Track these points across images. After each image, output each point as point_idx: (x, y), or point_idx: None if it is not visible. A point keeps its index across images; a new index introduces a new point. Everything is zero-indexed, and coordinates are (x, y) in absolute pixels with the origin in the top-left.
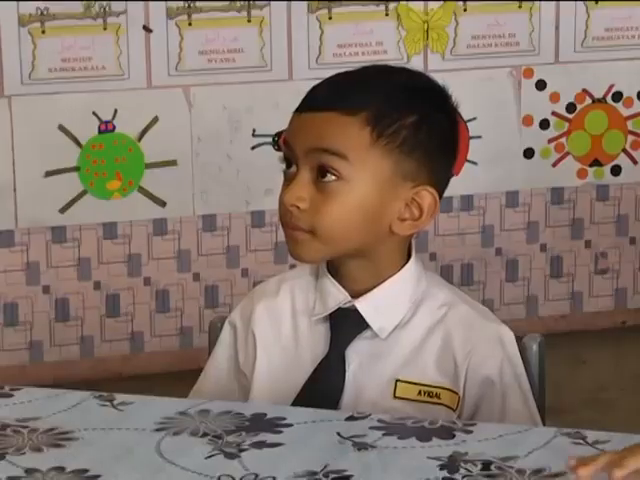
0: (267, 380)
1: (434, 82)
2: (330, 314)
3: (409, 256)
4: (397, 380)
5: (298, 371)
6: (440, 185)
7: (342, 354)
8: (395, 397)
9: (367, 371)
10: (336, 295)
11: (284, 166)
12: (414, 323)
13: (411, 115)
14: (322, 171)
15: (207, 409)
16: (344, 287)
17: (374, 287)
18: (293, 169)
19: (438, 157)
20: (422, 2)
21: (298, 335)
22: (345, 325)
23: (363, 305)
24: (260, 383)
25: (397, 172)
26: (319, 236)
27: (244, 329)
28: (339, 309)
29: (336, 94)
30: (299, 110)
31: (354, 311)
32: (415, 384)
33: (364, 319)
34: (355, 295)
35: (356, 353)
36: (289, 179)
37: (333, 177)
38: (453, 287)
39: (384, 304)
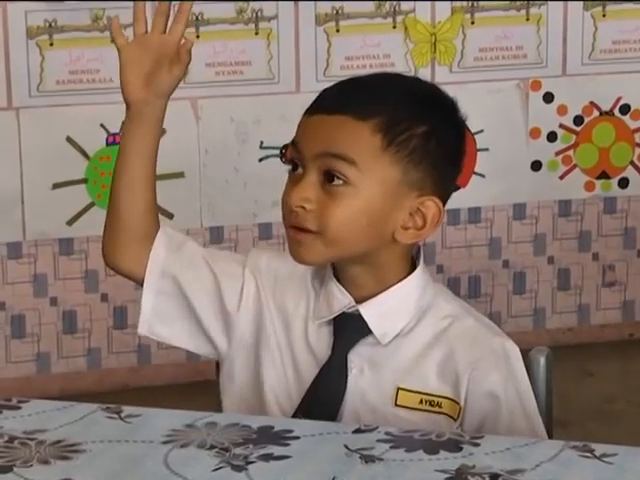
0: (276, 385)
1: (445, 94)
2: (334, 318)
3: (415, 265)
4: (399, 388)
5: (302, 374)
6: (444, 196)
7: (344, 358)
8: (396, 405)
9: (368, 377)
10: (341, 299)
11: (289, 167)
12: (417, 332)
13: (422, 125)
14: (330, 175)
15: (214, 421)
16: (348, 293)
17: (378, 293)
18: (299, 171)
19: (445, 168)
20: (429, 14)
21: (308, 338)
22: (348, 329)
23: (367, 310)
24: (269, 385)
25: (404, 181)
26: (323, 237)
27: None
28: (343, 313)
29: (349, 98)
30: (309, 112)
31: (358, 316)
32: (417, 392)
33: (367, 324)
34: (359, 301)
35: (358, 358)
36: (294, 180)
37: (340, 181)
38: (461, 300)
39: (388, 311)
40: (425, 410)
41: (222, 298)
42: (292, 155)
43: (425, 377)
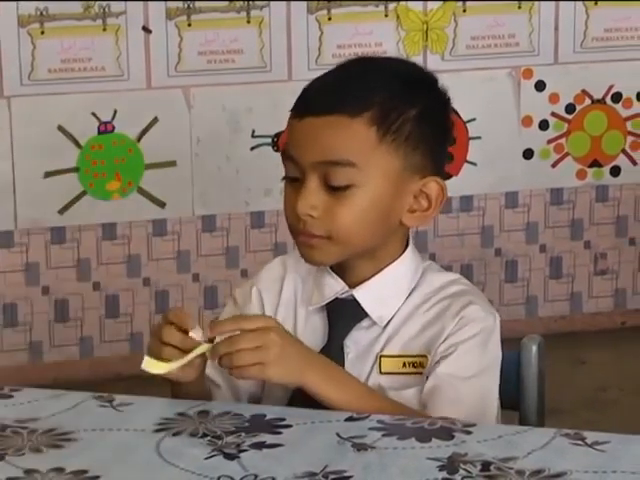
0: None
1: (426, 70)
2: (326, 304)
3: (406, 243)
4: (380, 356)
5: None
6: (443, 172)
7: (341, 345)
8: (381, 373)
9: (363, 359)
10: (333, 285)
11: (285, 172)
12: (410, 310)
13: (412, 108)
14: (332, 179)
15: (206, 410)
16: (343, 278)
17: (371, 276)
18: (298, 177)
19: (440, 145)
20: (421, 3)
21: (297, 325)
22: (343, 315)
23: (362, 294)
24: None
25: (405, 167)
26: (335, 240)
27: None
28: (336, 299)
29: (337, 96)
30: (297, 115)
31: (351, 301)
32: (399, 357)
33: (362, 309)
34: (352, 285)
35: (354, 343)
36: (295, 188)
37: (344, 183)
38: (448, 273)
39: (382, 293)
40: (409, 373)
41: None
42: (287, 164)
43: (405, 340)
